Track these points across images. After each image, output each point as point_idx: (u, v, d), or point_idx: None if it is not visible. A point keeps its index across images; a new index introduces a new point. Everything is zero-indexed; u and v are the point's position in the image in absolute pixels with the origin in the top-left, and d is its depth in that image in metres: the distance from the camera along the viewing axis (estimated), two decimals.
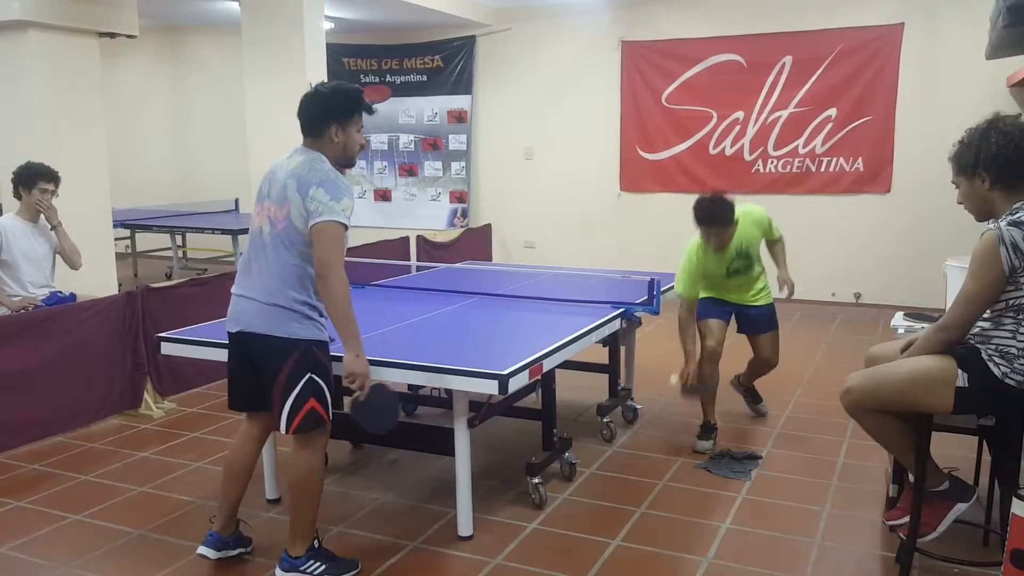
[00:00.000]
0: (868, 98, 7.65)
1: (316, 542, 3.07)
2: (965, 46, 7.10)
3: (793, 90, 7.89)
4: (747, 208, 4.49)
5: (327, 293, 2.88)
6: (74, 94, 6.18)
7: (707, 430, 4.47)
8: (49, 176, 4.97)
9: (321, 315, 2.98)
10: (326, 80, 3.02)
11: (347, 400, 3.08)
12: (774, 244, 4.81)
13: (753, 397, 5.06)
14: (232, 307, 3.03)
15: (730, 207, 4.22)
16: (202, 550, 3.16)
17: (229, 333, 3.05)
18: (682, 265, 4.36)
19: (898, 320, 4.06)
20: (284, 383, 2.90)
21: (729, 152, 8.21)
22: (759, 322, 4.70)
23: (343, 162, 3.09)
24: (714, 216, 4.20)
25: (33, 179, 4.93)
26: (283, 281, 2.92)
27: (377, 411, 3.02)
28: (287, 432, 2.94)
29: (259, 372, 2.98)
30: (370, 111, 3.13)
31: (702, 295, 4.50)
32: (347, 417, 4.13)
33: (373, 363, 3.19)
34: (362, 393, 2.94)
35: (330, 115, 3.00)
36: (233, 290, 3.05)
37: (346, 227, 2.91)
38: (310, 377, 2.92)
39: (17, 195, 4.99)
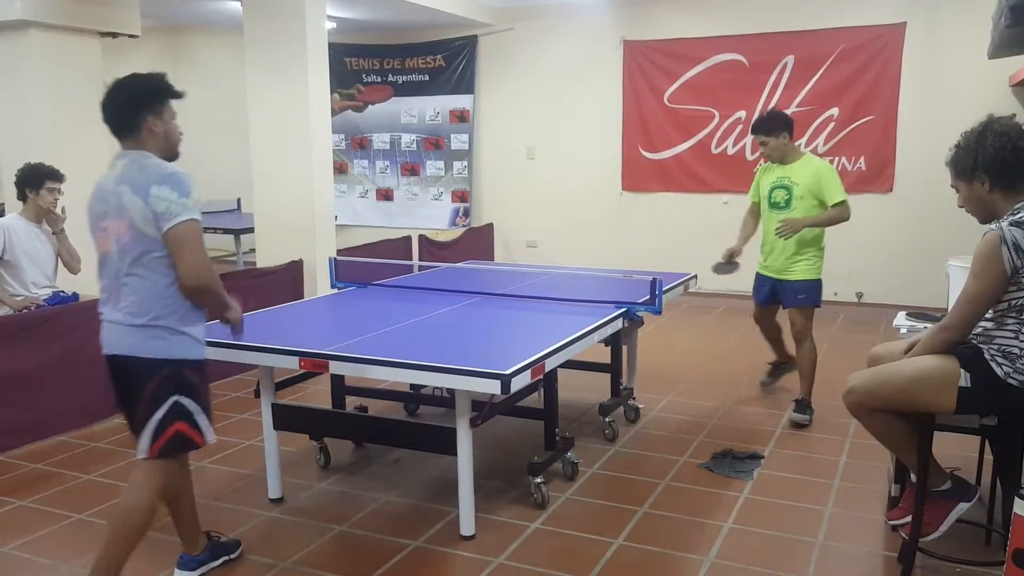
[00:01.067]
0: (870, 97, 7.64)
1: None
2: (967, 45, 7.09)
3: (795, 89, 7.88)
4: (818, 160, 4.83)
5: (207, 299, 2.77)
6: (76, 94, 6.19)
7: (803, 405, 4.77)
8: (56, 176, 4.97)
9: (191, 325, 2.79)
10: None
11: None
12: (832, 207, 4.71)
13: (778, 369, 5.35)
14: (101, 332, 2.83)
15: (773, 119, 4.78)
16: (178, 574, 3.09)
17: (104, 357, 2.85)
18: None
19: (901, 320, 4.06)
20: (147, 404, 2.73)
21: (731, 151, 8.20)
22: (786, 294, 4.86)
23: (168, 155, 2.83)
24: (756, 124, 4.84)
25: (41, 180, 4.92)
26: (142, 299, 2.70)
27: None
28: (147, 456, 2.77)
29: (126, 394, 2.83)
30: (179, 95, 2.87)
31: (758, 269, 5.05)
32: (351, 417, 4.15)
33: (376, 363, 3.20)
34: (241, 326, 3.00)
35: (141, 105, 2.76)
36: (100, 316, 2.86)
37: (200, 223, 2.72)
38: (176, 400, 2.75)
39: (22, 196, 4.99)
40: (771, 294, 4.95)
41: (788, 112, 7.87)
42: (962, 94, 7.20)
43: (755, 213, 5.05)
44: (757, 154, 4.61)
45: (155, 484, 2.81)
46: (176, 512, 3.07)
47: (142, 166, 2.70)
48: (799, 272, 4.79)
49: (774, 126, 4.71)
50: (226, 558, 3.21)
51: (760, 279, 5.03)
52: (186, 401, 2.78)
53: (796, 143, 4.97)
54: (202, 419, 2.84)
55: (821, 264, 4.87)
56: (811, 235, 4.76)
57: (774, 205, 4.80)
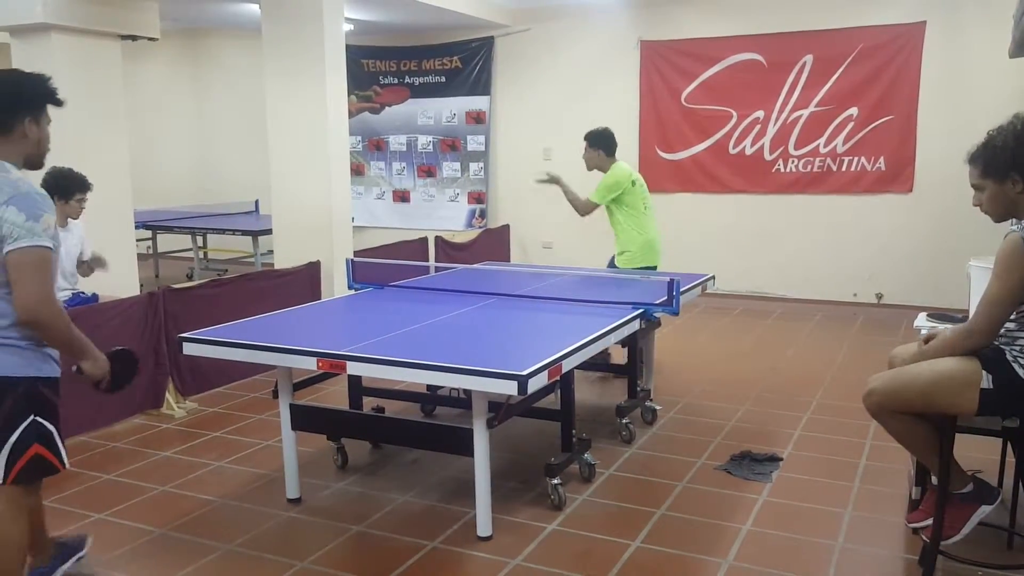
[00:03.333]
0: (890, 97, 7.58)
1: None
2: (988, 44, 7.02)
3: (814, 89, 7.83)
4: (616, 166, 5.56)
5: (44, 333, 2.50)
6: (96, 97, 6.24)
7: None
8: (84, 187, 4.98)
9: (46, 345, 2.58)
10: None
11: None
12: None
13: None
14: None
15: (600, 133, 5.60)
16: None
17: None
18: None
19: (921, 321, 4.02)
20: (1, 427, 2.50)
21: (749, 152, 8.16)
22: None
23: (33, 163, 2.64)
24: (590, 134, 5.63)
25: (71, 191, 4.91)
26: None
27: (124, 374, 2.86)
28: (4, 483, 2.53)
29: None
30: (60, 103, 2.65)
31: None
32: (368, 418, 4.16)
33: (393, 363, 3.20)
34: (107, 383, 2.74)
35: (22, 106, 2.53)
36: None
37: (51, 249, 2.45)
38: (33, 420, 2.53)
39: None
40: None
41: (808, 111, 7.91)
42: (983, 94, 7.13)
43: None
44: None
45: (17, 515, 2.59)
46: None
47: None
48: (622, 260, 5.52)
49: (591, 135, 5.58)
50: (78, 556, 3.07)
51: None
52: (43, 422, 2.56)
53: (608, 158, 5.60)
54: (59, 441, 2.63)
55: (642, 261, 5.47)
56: (623, 233, 5.53)
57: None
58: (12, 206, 2.41)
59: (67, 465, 2.69)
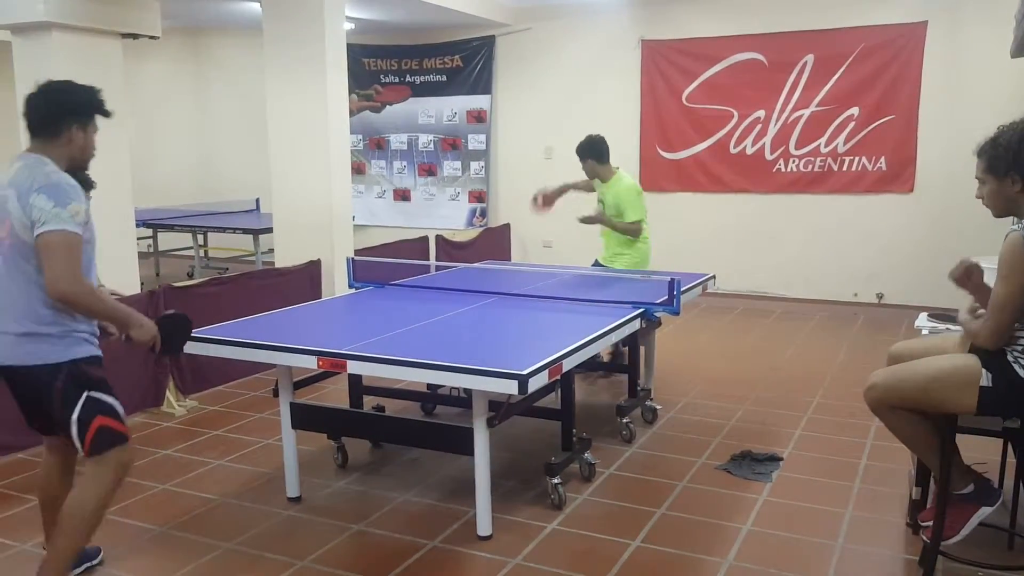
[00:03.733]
0: (891, 97, 7.57)
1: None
2: (989, 44, 7.01)
3: (815, 89, 7.82)
4: (623, 178, 5.53)
5: (75, 308, 2.68)
6: None
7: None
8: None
9: (78, 324, 2.75)
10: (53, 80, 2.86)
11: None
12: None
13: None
14: None
15: (585, 144, 5.51)
16: None
17: None
18: None
19: (922, 321, 4.02)
20: (61, 409, 2.71)
21: (750, 151, 8.15)
22: None
23: (76, 166, 2.84)
24: (579, 149, 5.56)
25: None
26: (27, 304, 2.66)
27: (177, 337, 3.01)
28: (87, 455, 2.76)
29: (36, 403, 2.80)
30: (108, 115, 2.91)
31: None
32: (369, 416, 4.16)
33: (393, 362, 3.20)
34: (158, 344, 2.87)
35: (71, 113, 2.78)
36: None
37: (78, 235, 2.63)
38: (87, 396, 2.72)
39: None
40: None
41: (808, 111, 7.90)
42: (984, 94, 7.13)
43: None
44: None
45: (105, 483, 2.77)
46: (48, 516, 2.99)
47: (33, 172, 2.66)
48: (620, 262, 5.51)
49: (585, 147, 5.50)
50: (88, 564, 3.14)
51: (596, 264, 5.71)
52: (99, 395, 2.75)
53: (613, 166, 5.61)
54: (120, 409, 2.81)
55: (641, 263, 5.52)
56: (627, 240, 5.47)
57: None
58: (42, 194, 2.59)
59: (129, 432, 2.85)
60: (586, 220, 5.53)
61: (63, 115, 2.76)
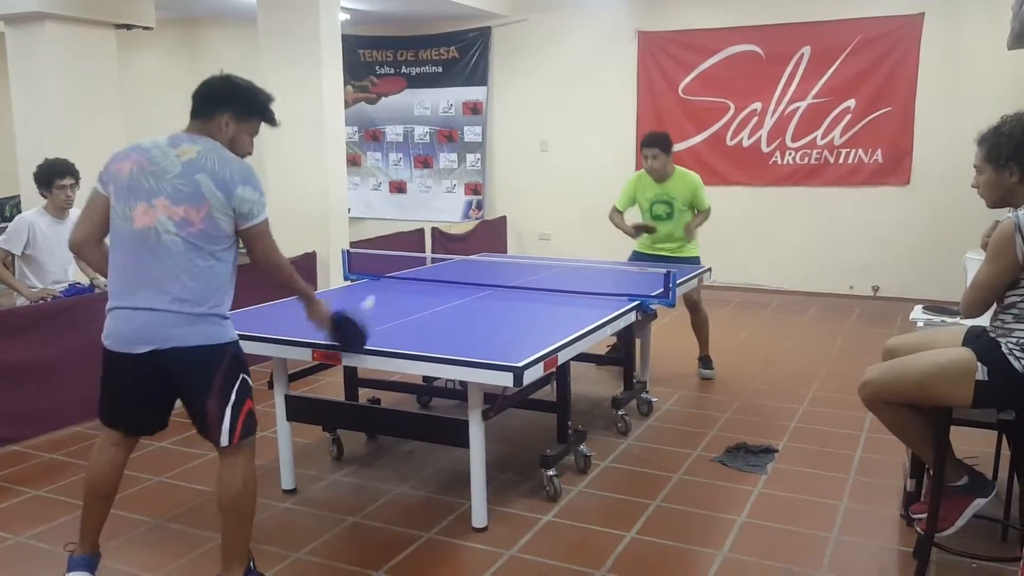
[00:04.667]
0: (888, 89, 7.57)
1: (252, 563, 2.90)
2: (987, 36, 7.01)
3: (811, 81, 7.82)
4: (687, 172, 5.36)
5: (285, 283, 2.93)
6: (91, 86, 6.22)
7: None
8: (63, 171, 4.92)
9: (230, 310, 2.85)
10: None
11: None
12: (699, 212, 5.40)
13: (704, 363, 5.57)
14: (126, 324, 2.70)
15: (666, 137, 5.25)
16: None
17: (127, 355, 2.72)
18: (623, 186, 5.54)
19: (918, 313, 4.02)
20: (220, 392, 2.73)
21: (746, 144, 8.15)
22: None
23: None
24: (651, 138, 5.25)
25: (50, 179, 4.89)
26: (204, 286, 2.69)
27: (355, 337, 3.15)
28: (232, 442, 2.77)
29: (182, 390, 2.78)
30: (273, 123, 2.98)
31: (635, 248, 5.56)
32: (364, 409, 4.16)
33: (388, 355, 3.20)
34: (330, 334, 3.11)
35: (227, 102, 2.81)
36: (120, 304, 2.72)
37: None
38: (243, 379, 2.79)
39: (43, 194, 5.00)
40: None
41: (805, 103, 7.90)
42: (981, 86, 7.13)
43: (618, 213, 5.53)
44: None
45: (249, 466, 2.84)
46: (99, 508, 2.92)
47: (223, 161, 2.71)
48: (688, 251, 5.41)
49: (666, 140, 5.25)
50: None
51: (640, 254, 5.54)
52: (248, 377, 2.83)
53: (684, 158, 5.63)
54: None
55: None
56: (683, 229, 5.36)
57: (656, 217, 5.38)
58: (248, 186, 2.70)
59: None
60: (688, 231, 5.32)
61: (220, 102, 2.80)
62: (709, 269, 5.19)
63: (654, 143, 5.20)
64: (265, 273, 2.86)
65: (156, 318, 2.66)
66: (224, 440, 2.77)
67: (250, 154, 2.90)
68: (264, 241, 2.80)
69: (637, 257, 5.50)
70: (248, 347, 3.47)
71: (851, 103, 7.71)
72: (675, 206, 5.28)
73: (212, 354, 2.72)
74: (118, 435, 2.94)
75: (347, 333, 3.14)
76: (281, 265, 2.88)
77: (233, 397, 2.75)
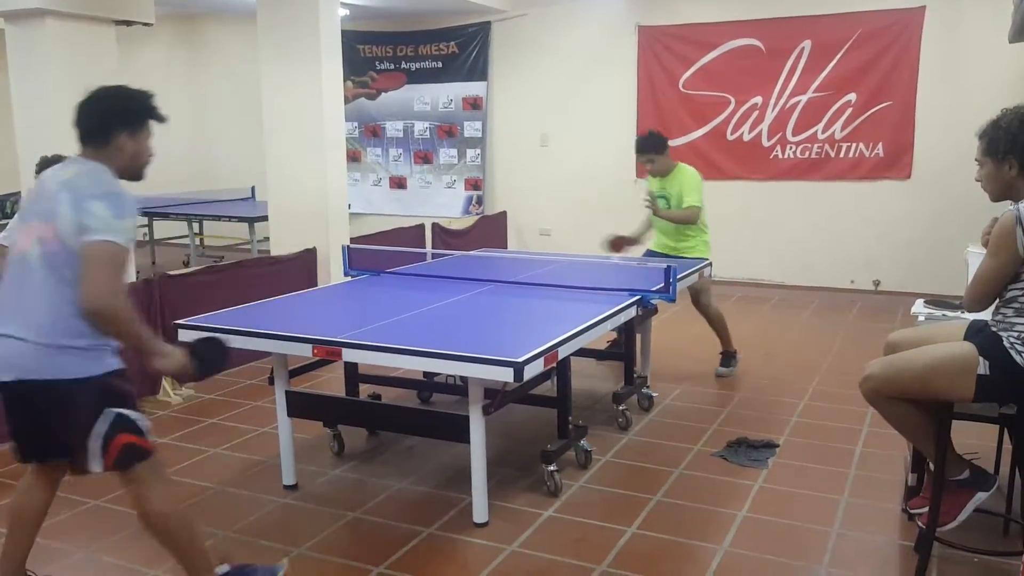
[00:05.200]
0: (888, 83, 7.55)
1: (223, 568, 2.81)
2: (988, 29, 6.99)
3: (812, 75, 7.80)
4: (686, 169, 5.40)
5: (107, 327, 2.45)
6: (91, 82, 6.14)
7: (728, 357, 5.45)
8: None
9: (105, 338, 2.54)
10: (106, 85, 2.68)
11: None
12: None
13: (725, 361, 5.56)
14: None
15: (655, 139, 5.34)
16: None
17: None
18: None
19: (919, 308, 4.01)
20: (83, 427, 2.51)
21: (747, 138, 8.13)
22: None
23: (130, 175, 2.68)
24: (640, 145, 5.40)
25: None
26: (61, 314, 2.45)
27: (211, 362, 2.77)
28: (104, 470, 2.56)
29: (50, 422, 2.58)
30: (162, 120, 2.76)
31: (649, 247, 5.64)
32: (364, 404, 4.16)
33: (389, 350, 3.19)
34: (193, 369, 2.67)
35: (119, 121, 2.62)
36: None
37: (127, 250, 2.48)
38: (113, 413, 2.53)
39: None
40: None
41: (806, 97, 7.88)
42: (982, 79, 7.11)
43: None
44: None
45: (150, 491, 2.60)
46: (21, 539, 2.78)
47: (94, 178, 2.52)
48: (691, 251, 5.37)
49: (654, 143, 5.31)
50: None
51: (652, 252, 5.57)
52: (124, 411, 2.56)
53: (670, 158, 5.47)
54: (144, 424, 2.61)
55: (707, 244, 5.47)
56: (694, 228, 5.39)
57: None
58: (102, 202, 2.44)
59: (153, 446, 2.65)
60: (655, 214, 5.37)
61: (111, 123, 2.61)
62: (709, 264, 5.17)
63: (646, 149, 5.34)
64: (90, 321, 2.43)
65: (16, 347, 2.48)
66: (95, 467, 2.55)
67: (152, 156, 2.74)
68: (96, 270, 2.39)
69: (649, 254, 5.53)
70: (248, 343, 3.49)
71: (852, 97, 7.69)
72: (671, 202, 5.34)
73: (73, 389, 2.49)
74: (34, 469, 2.77)
75: (207, 356, 2.75)
76: (111, 311, 2.41)
77: (101, 430, 2.51)
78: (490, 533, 3.35)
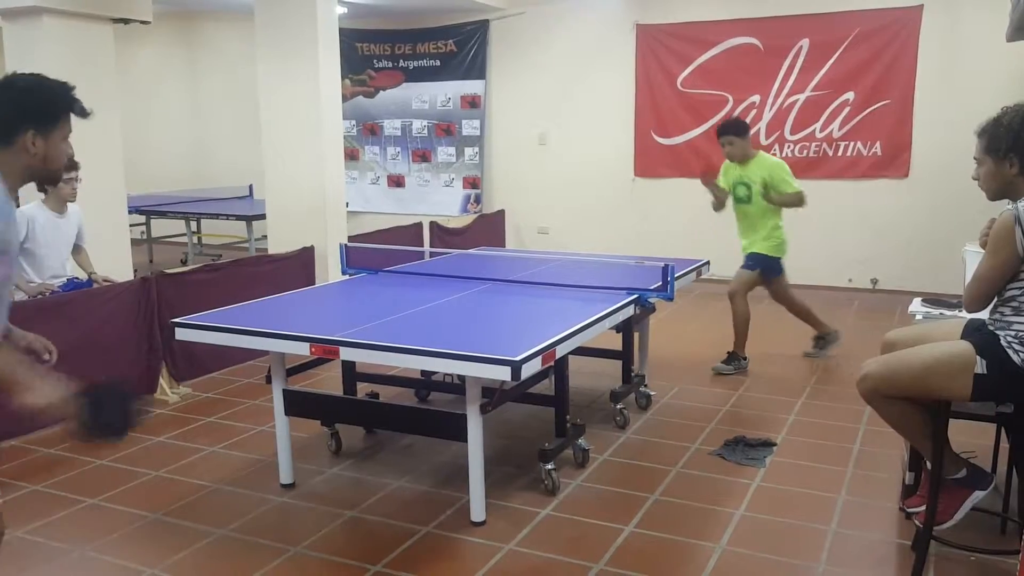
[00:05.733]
0: (886, 82, 7.55)
1: None
2: (985, 28, 6.99)
3: (810, 73, 7.80)
4: (767, 156, 5.55)
5: None
6: (88, 80, 6.15)
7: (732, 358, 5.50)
8: (71, 165, 4.96)
9: None
10: (30, 74, 2.23)
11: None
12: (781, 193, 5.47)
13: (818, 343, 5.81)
14: None
15: (737, 123, 5.55)
16: None
17: None
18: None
19: (916, 306, 4.01)
20: None
21: None
22: (752, 262, 5.61)
23: (44, 177, 2.30)
24: (723, 128, 5.53)
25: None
26: None
27: (110, 420, 2.07)
28: None
29: None
30: (84, 114, 2.29)
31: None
32: (362, 403, 4.16)
33: (386, 349, 3.19)
34: (81, 422, 2.02)
35: (26, 117, 2.16)
36: None
37: None
38: None
39: (43, 188, 4.98)
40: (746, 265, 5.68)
41: (804, 96, 7.88)
42: (980, 78, 7.11)
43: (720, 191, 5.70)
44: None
45: None
46: None
47: None
48: (758, 246, 5.58)
49: (734, 127, 5.48)
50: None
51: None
52: None
53: (746, 141, 5.56)
54: None
55: (777, 244, 5.60)
56: (772, 221, 5.54)
57: (738, 200, 5.60)
58: None
59: None
60: (772, 202, 5.40)
61: (18, 120, 2.15)
62: (707, 262, 5.17)
63: (726, 131, 5.45)
64: None
65: None
66: None
67: (70, 155, 2.30)
68: None
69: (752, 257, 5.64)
70: (246, 342, 3.49)
71: (850, 96, 7.69)
72: (753, 189, 5.41)
73: None
74: None
75: (104, 411, 2.06)
76: None
77: None
78: (488, 532, 3.35)
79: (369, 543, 3.27)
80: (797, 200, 5.40)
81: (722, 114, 8.17)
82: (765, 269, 5.59)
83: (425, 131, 9.75)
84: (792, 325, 6.46)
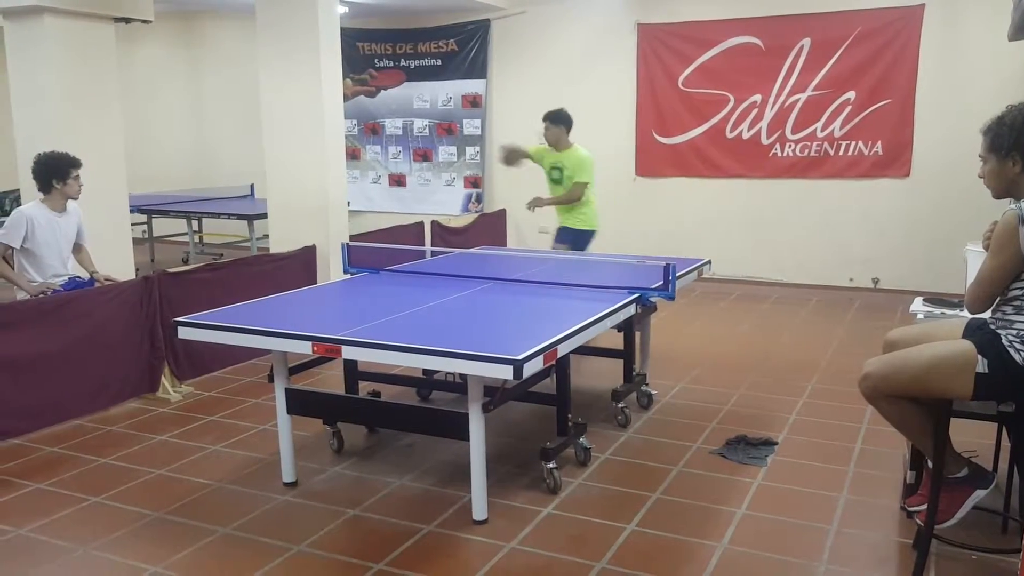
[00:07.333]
0: (887, 81, 7.55)
1: None
2: (987, 27, 6.99)
3: (811, 73, 7.80)
4: (580, 149, 6.08)
5: None
6: (90, 79, 6.20)
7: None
8: (75, 162, 4.98)
9: None
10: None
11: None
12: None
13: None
14: None
15: (558, 113, 6.11)
16: None
17: None
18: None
19: (918, 305, 4.02)
20: None
21: (746, 136, 8.13)
22: (563, 237, 6.15)
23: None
24: (546, 114, 6.12)
25: (67, 170, 4.92)
26: None
27: None
28: None
29: None
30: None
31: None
32: (364, 402, 4.16)
33: (388, 348, 3.19)
34: None
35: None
36: None
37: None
38: None
39: (47, 187, 4.97)
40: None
41: (805, 95, 7.88)
42: (981, 78, 7.11)
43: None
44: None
45: None
46: None
47: None
48: (570, 221, 6.14)
49: (556, 116, 6.07)
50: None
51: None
52: None
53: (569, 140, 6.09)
54: None
55: (584, 218, 6.14)
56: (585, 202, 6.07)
57: (552, 181, 6.20)
58: None
59: None
60: (535, 204, 6.19)
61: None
62: (709, 262, 5.17)
63: (546, 117, 6.11)
64: None
65: None
66: None
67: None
68: None
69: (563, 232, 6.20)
70: (248, 340, 3.50)
71: (851, 95, 7.69)
72: (564, 173, 6.05)
73: None
74: None
75: None
76: None
77: None
78: (489, 530, 3.35)
79: (371, 542, 3.28)
80: (571, 196, 6.02)
81: (723, 114, 8.19)
82: (575, 241, 6.10)
83: (426, 130, 9.75)
84: (793, 325, 6.50)
